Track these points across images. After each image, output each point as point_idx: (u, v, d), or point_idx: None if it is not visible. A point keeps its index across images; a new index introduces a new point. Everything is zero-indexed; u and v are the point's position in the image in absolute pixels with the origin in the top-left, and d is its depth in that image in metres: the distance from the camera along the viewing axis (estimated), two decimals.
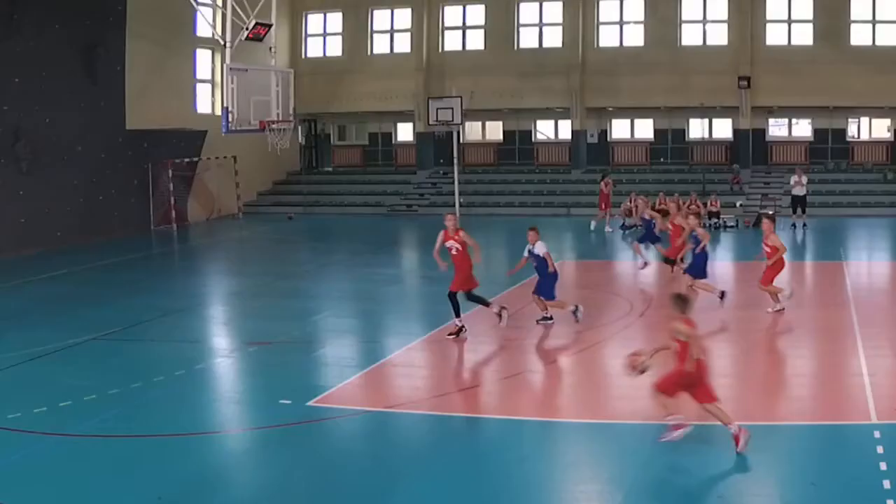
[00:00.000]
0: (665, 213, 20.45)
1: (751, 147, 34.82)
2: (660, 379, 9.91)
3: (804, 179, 28.29)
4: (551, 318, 15.56)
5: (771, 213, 20.03)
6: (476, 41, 37.75)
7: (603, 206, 29.23)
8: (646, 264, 20.91)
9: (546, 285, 15.39)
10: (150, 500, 8.79)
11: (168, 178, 31.66)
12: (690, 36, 35.05)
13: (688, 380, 9.59)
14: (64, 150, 27.60)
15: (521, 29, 37.05)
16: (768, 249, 16.16)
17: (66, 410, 11.49)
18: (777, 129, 36.36)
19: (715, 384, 12.43)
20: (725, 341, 14.95)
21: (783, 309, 16.06)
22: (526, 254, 15.44)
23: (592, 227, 29.29)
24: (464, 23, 38.03)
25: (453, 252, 14.88)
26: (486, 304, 15.24)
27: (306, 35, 39.41)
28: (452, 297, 14.74)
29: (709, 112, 34.99)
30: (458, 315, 14.79)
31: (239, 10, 20.97)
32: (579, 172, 36.63)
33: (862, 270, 21.93)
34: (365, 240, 28.52)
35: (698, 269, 17.07)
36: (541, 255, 15.20)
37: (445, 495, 8.96)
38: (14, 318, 17.48)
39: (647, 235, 21.59)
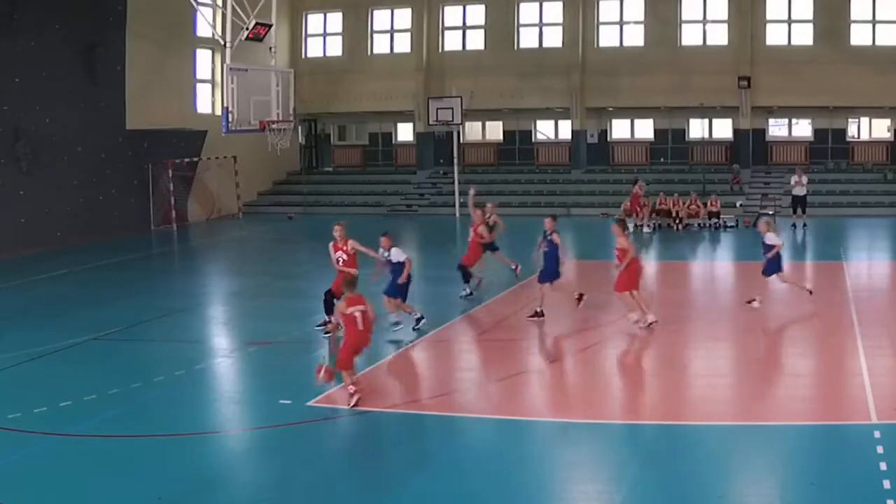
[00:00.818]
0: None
1: (751, 147, 34.82)
2: None
3: (804, 179, 28.28)
4: (405, 321, 15.40)
5: (624, 216, 18.94)
6: (476, 41, 37.75)
7: (638, 208, 29.06)
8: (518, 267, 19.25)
9: (394, 286, 15.28)
10: (150, 500, 8.79)
11: (168, 178, 31.65)
12: (690, 36, 35.04)
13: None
14: (64, 150, 27.61)
15: (521, 29, 37.04)
16: (617, 252, 15.13)
17: (66, 410, 11.50)
18: (777, 129, 36.35)
19: (715, 384, 12.51)
20: (725, 341, 14.96)
21: (651, 324, 14.90)
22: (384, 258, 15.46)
23: (631, 229, 29.13)
24: (464, 23, 38.02)
25: (340, 262, 14.99)
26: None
27: (306, 35, 39.41)
28: (329, 294, 15.15)
29: (709, 112, 34.98)
30: (328, 313, 15.14)
31: (239, 10, 20.97)
32: (579, 172, 36.63)
33: (862, 270, 21.92)
34: (365, 240, 28.50)
35: (550, 273, 16.14)
36: (401, 261, 15.16)
37: (445, 495, 8.96)
38: (14, 318, 17.48)
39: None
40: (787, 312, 16.68)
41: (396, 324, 15.24)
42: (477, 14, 37.56)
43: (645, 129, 37.37)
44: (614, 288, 15.43)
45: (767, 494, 8.77)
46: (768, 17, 34.13)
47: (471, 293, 18.00)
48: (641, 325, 14.86)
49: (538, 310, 15.88)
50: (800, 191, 28.26)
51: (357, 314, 11.38)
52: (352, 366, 11.52)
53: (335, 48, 39.20)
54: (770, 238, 16.42)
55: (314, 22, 39.49)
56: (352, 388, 11.37)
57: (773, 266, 16.56)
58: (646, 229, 28.55)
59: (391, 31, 38.44)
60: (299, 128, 37.01)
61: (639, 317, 14.99)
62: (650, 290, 19.79)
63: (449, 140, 35.37)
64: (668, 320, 16.28)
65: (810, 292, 16.99)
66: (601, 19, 36.11)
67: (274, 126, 21.77)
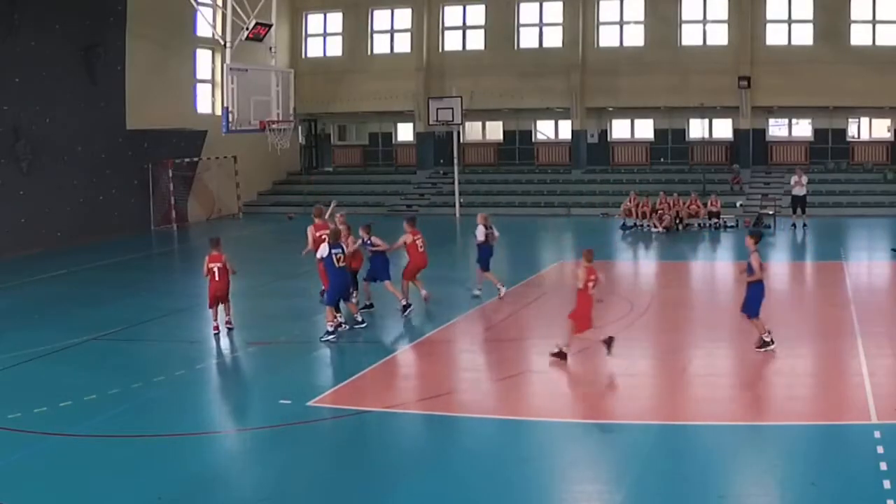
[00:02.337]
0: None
1: (751, 147, 34.82)
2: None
3: (804, 179, 28.29)
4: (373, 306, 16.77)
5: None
6: (476, 41, 37.75)
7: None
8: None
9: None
10: (150, 500, 8.79)
11: (168, 178, 31.65)
12: (690, 36, 35.04)
13: None
14: (64, 150, 27.61)
15: (521, 29, 37.04)
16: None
17: (66, 410, 11.50)
18: (777, 129, 36.35)
19: (715, 384, 12.51)
20: (725, 341, 14.95)
21: (424, 298, 16.67)
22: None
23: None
24: (464, 23, 38.02)
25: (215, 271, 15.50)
26: None
27: (306, 35, 39.41)
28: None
29: (709, 112, 34.98)
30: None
31: (239, 10, 20.95)
32: (579, 172, 36.63)
33: (862, 270, 21.92)
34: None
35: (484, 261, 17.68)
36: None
37: (445, 495, 8.96)
38: (14, 318, 17.49)
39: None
40: (787, 312, 16.67)
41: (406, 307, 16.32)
42: (477, 14, 37.56)
43: (645, 129, 37.36)
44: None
45: (767, 494, 8.77)
46: (768, 17, 34.14)
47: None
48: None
49: (477, 293, 17.44)
50: (799, 191, 28.27)
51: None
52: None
53: (335, 48, 39.21)
54: (754, 260, 13.62)
55: (314, 22, 39.50)
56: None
57: (752, 302, 13.62)
58: (654, 230, 28.55)
59: (391, 31, 38.44)
60: (299, 128, 37.02)
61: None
62: (651, 291, 19.82)
63: (449, 140, 35.36)
64: (668, 320, 16.30)
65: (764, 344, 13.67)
66: (601, 19, 36.11)
67: (274, 126, 21.74)
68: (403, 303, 16.44)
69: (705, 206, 29.25)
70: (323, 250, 14.85)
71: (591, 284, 12.90)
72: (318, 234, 16.60)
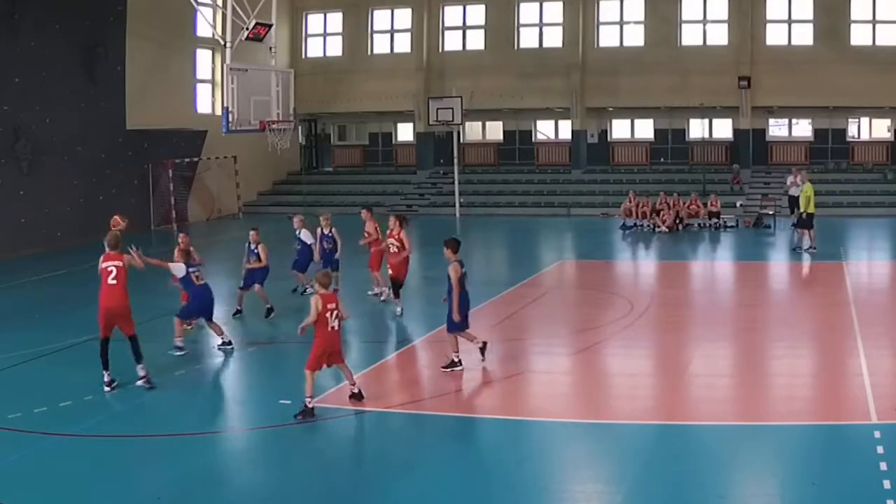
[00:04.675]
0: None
1: (751, 147, 34.83)
2: None
3: (800, 180, 28.26)
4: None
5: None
6: (476, 41, 37.76)
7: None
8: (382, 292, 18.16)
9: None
10: (150, 500, 8.79)
11: (168, 178, 31.65)
12: (690, 36, 35.06)
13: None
14: (64, 150, 27.61)
15: (521, 29, 37.07)
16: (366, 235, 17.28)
17: (66, 410, 11.50)
18: (777, 129, 36.37)
19: (715, 384, 12.51)
20: (725, 341, 14.96)
21: (379, 294, 17.55)
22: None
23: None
24: (464, 23, 38.04)
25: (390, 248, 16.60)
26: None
27: (306, 35, 39.43)
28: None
29: (709, 112, 35.00)
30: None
31: (239, 10, 20.94)
32: (579, 172, 36.64)
33: (862, 270, 21.92)
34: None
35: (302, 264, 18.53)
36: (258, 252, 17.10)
37: (445, 495, 8.96)
38: (14, 318, 17.48)
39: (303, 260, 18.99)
40: (787, 312, 16.68)
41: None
42: (477, 14, 37.58)
43: (645, 129, 37.38)
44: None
45: (768, 494, 8.76)
46: (768, 17, 34.15)
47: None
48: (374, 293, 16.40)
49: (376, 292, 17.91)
50: (795, 191, 28.21)
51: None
52: None
53: (335, 48, 39.22)
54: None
55: (314, 22, 39.51)
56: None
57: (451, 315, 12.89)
58: (657, 229, 28.54)
59: (391, 31, 38.46)
60: (299, 128, 37.02)
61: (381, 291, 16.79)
62: (651, 291, 19.80)
63: (449, 140, 35.38)
64: (668, 320, 16.30)
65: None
66: (601, 19, 36.14)
67: (274, 126, 21.74)
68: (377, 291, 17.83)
69: (705, 206, 29.26)
70: (179, 269, 14.31)
71: (328, 315, 11.07)
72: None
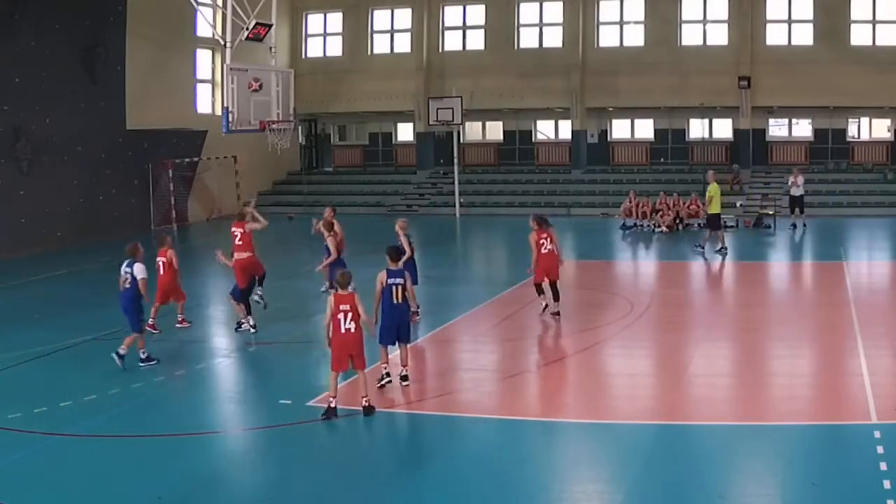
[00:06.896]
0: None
1: (751, 147, 34.81)
2: None
3: (800, 180, 28.34)
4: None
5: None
6: (476, 41, 37.74)
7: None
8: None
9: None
10: (150, 500, 8.79)
11: (168, 178, 31.64)
12: (690, 36, 35.04)
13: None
14: (64, 150, 27.60)
15: (521, 29, 37.04)
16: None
17: (66, 410, 11.50)
18: (777, 129, 36.34)
19: (715, 384, 12.51)
20: (725, 341, 14.96)
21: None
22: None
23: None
24: (464, 23, 38.02)
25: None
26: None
27: (306, 35, 39.41)
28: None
29: (709, 112, 34.98)
30: None
31: (239, 10, 20.95)
32: (579, 172, 36.63)
33: (862, 270, 21.92)
34: (365, 239, 28.50)
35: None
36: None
37: (445, 495, 8.96)
38: (14, 318, 17.48)
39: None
40: (787, 312, 16.68)
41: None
42: (477, 14, 37.55)
43: (645, 129, 37.36)
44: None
45: (768, 494, 8.77)
46: (768, 17, 34.12)
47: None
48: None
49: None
50: (796, 191, 28.32)
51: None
52: None
53: (335, 48, 39.20)
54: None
55: (314, 22, 39.49)
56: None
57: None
58: (657, 230, 28.51)
59: (391, 31, 38.44)
60: (299, 128, 37.02)
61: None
62: (651, 291, 19.80)
63: (449, 140, 35.37)
64: (668, 320, 16.30)
65: None
66: (601, 19, 36.11)
67: (274, 126, 21.75)
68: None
69: (705, 206, 29.20)
70: (141, 270, 14.04)
71: (340, 317, 10.90)
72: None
